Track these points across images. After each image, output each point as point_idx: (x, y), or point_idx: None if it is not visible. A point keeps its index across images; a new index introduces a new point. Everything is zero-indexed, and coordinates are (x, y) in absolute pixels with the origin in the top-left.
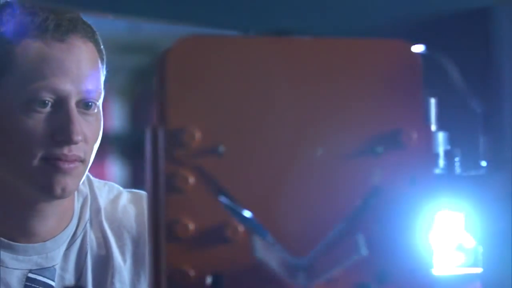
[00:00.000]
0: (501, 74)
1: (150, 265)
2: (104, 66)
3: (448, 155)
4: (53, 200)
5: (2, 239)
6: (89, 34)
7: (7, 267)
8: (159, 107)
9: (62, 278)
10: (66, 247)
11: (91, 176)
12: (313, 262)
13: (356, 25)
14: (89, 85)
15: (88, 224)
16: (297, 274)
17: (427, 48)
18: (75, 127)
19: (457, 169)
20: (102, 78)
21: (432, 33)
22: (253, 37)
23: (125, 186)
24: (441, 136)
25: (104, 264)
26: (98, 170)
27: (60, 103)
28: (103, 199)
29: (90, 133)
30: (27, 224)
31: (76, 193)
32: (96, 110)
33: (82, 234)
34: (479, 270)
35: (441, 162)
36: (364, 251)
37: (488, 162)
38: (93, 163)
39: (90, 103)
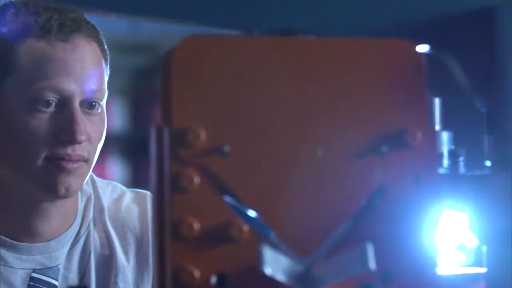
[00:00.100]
0: (505, 74)
1: (155, 265)
2: (108, 66)
3: (452, 155)
4: (57, 199)
5: (6, 238)
6: (93, 34)
7: (10, 267)
8: (164, 106)
9: (65, 277)
10: (69, 247)
11: (94, 176)
12: (319, 268)
13: (361, 25)
14: (93, 85)
15: (91, 224)
16: (304, 280)
17: (432, 48)
18: (79, 127)
19: (461, 169)
20: (106, 78)
21: (437, 33)
22: (257, 37)
23: (125, 186)
24: (445, 136)
25: (107, 263)
26: (98, 169)
27: (64, 103)
28: (106, 198)
29: (93, 133)
30: (30, 224)
31: (79, 192)
32: (99, 110)
33: (86, 233)
34: (481, 269)
35: (445, 161)
36: (372, 264)
37: (492, 162)
38: None
39: (94, 103)
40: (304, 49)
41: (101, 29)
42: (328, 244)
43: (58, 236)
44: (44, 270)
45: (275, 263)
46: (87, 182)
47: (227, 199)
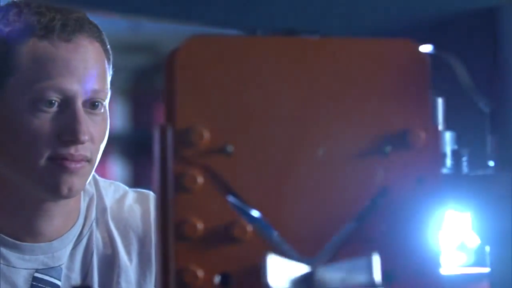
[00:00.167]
0: (508, 74)
1: (159, 265)
2: (111, 66)
3: (456, 155)
4: (60, 199)
5: (9, 238)
6: (96, 34)
7: (13, 267)
8: (167, 106)
9: (68, 277)
10: (72, 247)
11: (97, 176)
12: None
13: (364, 25)
14: (95, 85)
15: (94, 224)
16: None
17: (435, 48)
18: (82, 127)
19: (465, 169)
20: (109, 78)
21: (440, 33)
22: (261, 36)
23: (126, 186)
24: (448, 136)
25: (110, 263)
26: (99, 169)
27: (67, 103)
28: (109, 198)
29: (96, 133)
30: (33, 224)
31: (82, 192)
32: (102, 110)
33: (88, 233)
34: (482, 269)
35: (448, 162)
36: (377, 277)
37: (495, 162)
38: None
39: (96, 103)
40: (308, 49)
41: (102, 29)
42: (332, 244)
43: (60, 236)
44: (46, 270)
45: (279, 272)
46: (89, 182)
47: (231, 199)
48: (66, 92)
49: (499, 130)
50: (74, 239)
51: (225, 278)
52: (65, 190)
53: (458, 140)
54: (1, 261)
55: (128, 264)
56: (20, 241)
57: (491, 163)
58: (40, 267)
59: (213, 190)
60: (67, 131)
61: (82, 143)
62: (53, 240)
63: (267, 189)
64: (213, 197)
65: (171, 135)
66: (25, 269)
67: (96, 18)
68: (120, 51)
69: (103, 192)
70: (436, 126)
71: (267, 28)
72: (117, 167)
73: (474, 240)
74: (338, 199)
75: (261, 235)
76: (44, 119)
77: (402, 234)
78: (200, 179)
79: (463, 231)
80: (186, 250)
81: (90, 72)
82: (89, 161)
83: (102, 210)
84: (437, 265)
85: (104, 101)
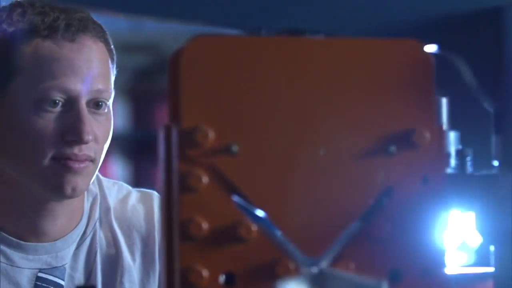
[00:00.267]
0: None
1: (164, 265)
2: (115, 66)
3: (460, 155)
4: (63, 199)
5: (12, 238)
6: (100, 33)
7: (17, 267)
8: (172, 106)
9: (71, 277)
10: (75, 247)
11: (100, 176)
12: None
13: (369, 24)
14: (99, 85)
15: (97, 224)
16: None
17: (440, 47)
18: (86, 126)
19: (469, 168)
20: (113, 78)
21: (445, 33)
22: (266, 36)
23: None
24: (452, 136)
25: (113, 263)
26: (100, 169)
27: (71, 102)
28: (112, 198)
29: (100, 132)
30: (37, 224)
31: (85, 192)
32: (106, 110)
33: (92, 233)
34: (483, 269)
35: (453, 161)
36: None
37: (499, 162)
38: None
39: (100, 103)
40: (313, 49)
41: None
42: (337, 244)
43: (64, 236)
44: (50, 269)
45: None
46: (93, 182)
47: (236, 198)
48: (70, 92)
49: (503, 130)
50: (78, 239)
51: (230, 277)
52: (69, 190)
53: (462, 140)
54: (5, 261)
55: (131, 264)
56: (24, 241)
57: (495, 163)
58: (44, 266)
59: (218, 190)
60: (71, 131)
61: (86, 143)
62: (56, 240)
63: (272, 189)
64: (218, 197)
65: (176, 135)
66: (29, 268)
67: (96, 17)
68: (121, 50)
69: (107, 192)
70: (441, 126)
71: (271, 28)
72: (117, 166)
73: (475, 240)
74: (343, 198)
75: (266, 234)
76: (48, 119)
77: (407, 233)
78: (205, 179)
79: (464, 231)
80: (191, 249)
81: (94, 72)
82: (93, 161)
83: (105, 210)
84: (442, 264)
85: (108, 101)
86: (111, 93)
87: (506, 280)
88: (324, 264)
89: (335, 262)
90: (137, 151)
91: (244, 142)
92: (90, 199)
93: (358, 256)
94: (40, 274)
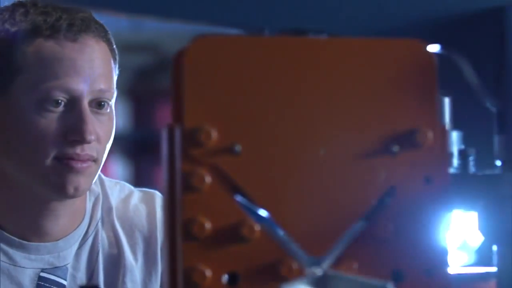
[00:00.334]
0: None
1: (167, 265)
2: (117, 66)
3: (463, 154)
4: (66, 199)
5: (15, 238)
6: (102, 33)
7: (19, 266)
8: (175, 106)
9: (74, 277)
10: (78, 246)
11: (102, 176)
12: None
13: (372, 24)
14: (102, 85)
15: (99, 223)
16: None
17: (442, 47)
18: (88, 126)
19: (471, 168)
20: (115, 78)
21: (448, 33)
22: (269, 36)
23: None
24: (455, 135)
25: (115, 263)
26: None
27: (73, 102)
28: (114, 198)
29: (102, 132)
30: (39, 223)
31: (88, 192)
32: (108, 110)
33: (94, 233)
34: (483, 269)
35: (455, 161)
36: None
37: (502, 162)
38: None
39: (102, 103)
40: (315, 49)
41: None
42: (339, 244)
43: (66, 236)
44: (52, 269)
45: None
46: (95, 181)
47: (239, 198)
48: (72, 92)
49: (506, 130)
50: (80, 239)
51: (233, 277)
52: (71, 190)
53: (465, 139)
54: (7, 261)
55: (133, 263)
56: (26, 240)
57: (498, 163)
58: (46, 266)
59: (221, 190)
60: (73, 130)
61: (88, 142)
62: (59, 240)
63: (275, 189)
64: (221, 197)
65: (179, 135)
66: (31, 268)
67: (96, 17)
68: (121, 50)
69: (109, 191)
70: (444, 126)
71: (274, 28)
72: (118, 166)
73: (475, 239)
74: (345, 198)
75: (269, 234)
76: (51, 119)
77: (410, 233)
78: (208, 179)
79: (464, 230)
80: (194, 249)
81: (96, 72)
82: (95, 160)
83: (107, 209)
84: (445, 264)
85: (110, 101)
86: (113, 93)
87: (509, 280)
88: (327, 264)
89: (337, 262)
90: (136, 151)
91: (247, 142)
92: (92, 199)
93: (361, 256)
94: (42, 274)
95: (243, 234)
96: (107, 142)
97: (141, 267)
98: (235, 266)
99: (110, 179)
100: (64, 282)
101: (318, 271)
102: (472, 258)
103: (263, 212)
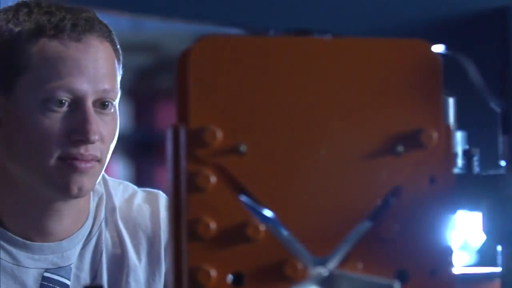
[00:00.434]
0: None
1: (172, 265)
2: (121, 66)
3: (467, 155)
4: (70, 199)
5: (18, 238)
6: (106, 33)
7: (23, 266)
8: (179, 106)
9: (77, 277)
10: (81, 246)
11: (106, 176)
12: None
13: (376, 25)
14: (105, 85)
15: (103, 223)
16: None
17: (447, 47)
18: (92, 126)
19: (476, 168)
20: (119, 78)
21: (452, 33)
22: (273, 36)
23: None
24: (459, 136)
25: (119, 263)
26: None
27: (77, 102)
28: (118, 198)
29: (106, 132)
30: (43, 223)
31: (91, 192)
32: (112, 110)
33: (98, 233)
34: (484, 269)
35: (460, 161)
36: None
37: (507, 162)
38: None
39: (106, 103)
40: (320, 49)
41: None
42: (345, 244)
43: (70, 236)
44: (56, 269)
45: None
46: (99, 181)
47: (244, 198)
48: (76, 92)
49: (510, 130)
50: (84, 239)
51: (238, 277)
52: (75, 190)
53: (469, 139)
54: (11, 261)
55: (137, 263)
56: (30, 240)
57: (503, 163)
58: (50, 266)
59: (226, 190)
60: (77, 130)
61: (92, 142)
62: (62, 240)
63: (280, 189)
64: (226, 197)
65: (184, 135)
66: (35, 268)
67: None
68: (122, 50)
69: (112, 191)
70: (448, 126)
71: (279, 28)
72: (118, 166)
73: (477, 239)
74: (350, 198)
75: (274, 234)
76: (55, 119)
77: (414, 233)
78: (213, 179)
79: (466, 231)
80: (199, 249)
81: (100, 72)
82: (99, 161)
83: (111, 209)
84: (450, 264)
85: (114, 101)
86: (117, 93)
87: None
88: (332, 264)
89: (342, 262)
90: (137, 151)
91: (252, 142)
92: (96, 199)
93: (365, 256)
94: (46, 274)
95: (248, 234)
96: (111, 142)
97: (145, 267)
98: (240, 266)
99: (114, 179)
100: (68, 282)
101: (323, 271)
102: (473, 258)
103: (268, 212)
